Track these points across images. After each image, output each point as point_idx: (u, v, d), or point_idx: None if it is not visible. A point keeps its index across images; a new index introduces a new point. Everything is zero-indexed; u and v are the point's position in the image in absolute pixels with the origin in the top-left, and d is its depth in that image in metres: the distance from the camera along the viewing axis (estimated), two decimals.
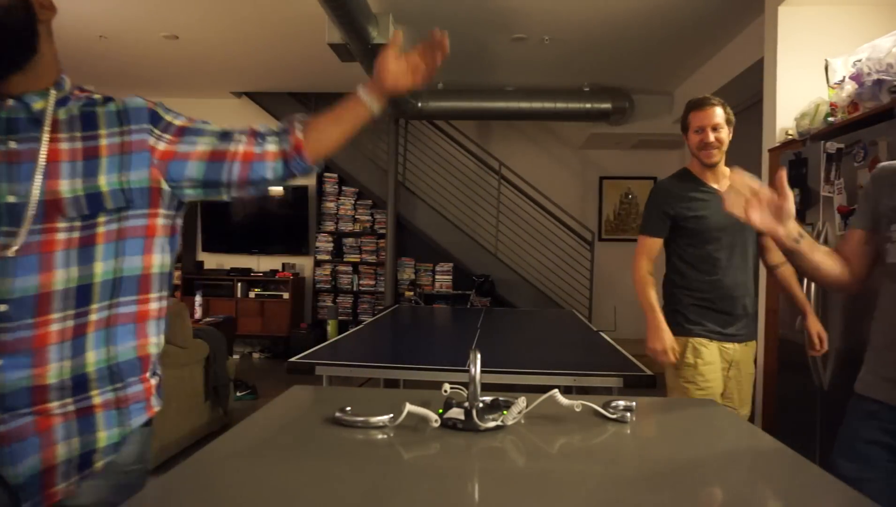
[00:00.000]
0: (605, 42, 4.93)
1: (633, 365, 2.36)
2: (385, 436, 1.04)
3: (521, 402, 1.11)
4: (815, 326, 2.29)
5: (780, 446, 1.05)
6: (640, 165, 7.08)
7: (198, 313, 5.80)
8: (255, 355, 6.80)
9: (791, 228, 1.38)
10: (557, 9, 4.28)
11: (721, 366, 2.22)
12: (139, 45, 5.16)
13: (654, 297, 2.28)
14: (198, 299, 5.97)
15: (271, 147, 1.16)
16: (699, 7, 4.21)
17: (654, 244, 2.30)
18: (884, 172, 1.52)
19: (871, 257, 1.53)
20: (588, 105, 6.02)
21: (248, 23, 4.55)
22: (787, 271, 2.31)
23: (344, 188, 6.97)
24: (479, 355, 1.12)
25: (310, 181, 6.84)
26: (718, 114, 2.18)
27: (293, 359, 2.40)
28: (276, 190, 6.82)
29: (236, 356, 6.54)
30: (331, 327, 6.42)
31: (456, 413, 1.07)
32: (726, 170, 2.24)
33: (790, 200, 1.33)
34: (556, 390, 1.19)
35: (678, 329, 2.24)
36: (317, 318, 6.95)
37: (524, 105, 6.06)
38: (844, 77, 2.74)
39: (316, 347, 2.80)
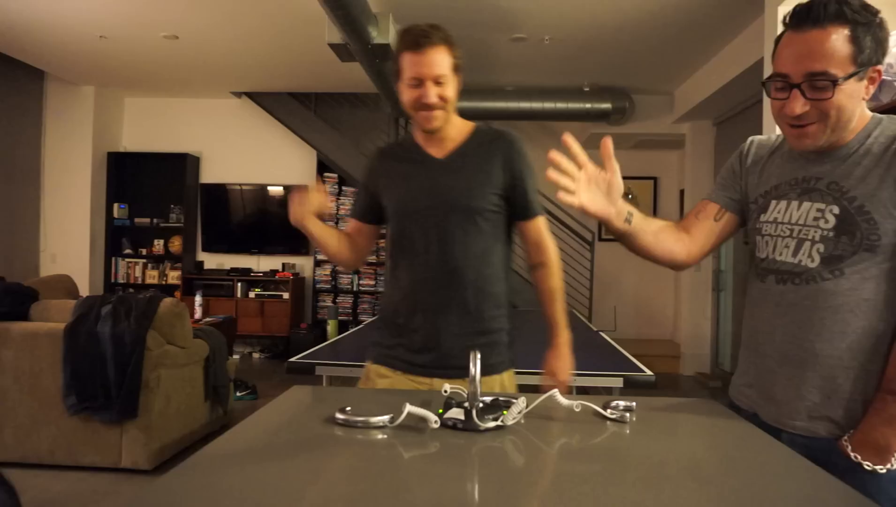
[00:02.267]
0: (605, 42, 4.93)
1: (633, 365, 2.36)
2: (385, 436, 1.04)
3: (521, 402, 1.11)
4: (555, 362, 1.62)
5: (780, 446, 1.05)
6: (640, 165, 7.09)
7: (198, 313, 5.80)
8: (255, 355, 6.80)
9: (621, 207, 1.24)
10: (557, 9, 4.28)
11: None
12: (139, 45, 5.16)
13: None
14: (198, 299, 5.98)
15: None
16: (699, 7, 4.21)
17: None
18: (754, 149, 1.37)
19: (717, 236, 1.37)
20: (588, 105, 6.02)
21: (248, 23, 4.55)
22: (543, 276, 1.70)
23: (344, 188, 6.97)
24: (479, 356, 1.12)
25: (310, 181, 6.84)
26: (443, 61, 1.50)
27: (293, 359, 2.41)
28: (276, 190, 6.82)
29: (236, 356, 6.54)
30: (331, 327, 6.42)
31: (456, 413, 1.07)
32: (457, 133, 1.62)
33: (618, 173, 1.20)
34: (556, 390, 1.19)
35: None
36: (317, 318, 6.96)
37: (524, 105, 6.06)
38: None
39: (316, 347, 2.81)
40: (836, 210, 1.15)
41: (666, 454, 0.99)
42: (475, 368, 1.10)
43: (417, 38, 1.49)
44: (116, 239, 6.81)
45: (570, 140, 1.19)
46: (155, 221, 6.83)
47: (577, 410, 1.15)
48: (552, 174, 1.19)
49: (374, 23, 4.27)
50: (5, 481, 0.96)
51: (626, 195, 1.33)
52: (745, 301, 1.35)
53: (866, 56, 1.08)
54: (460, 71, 1.58)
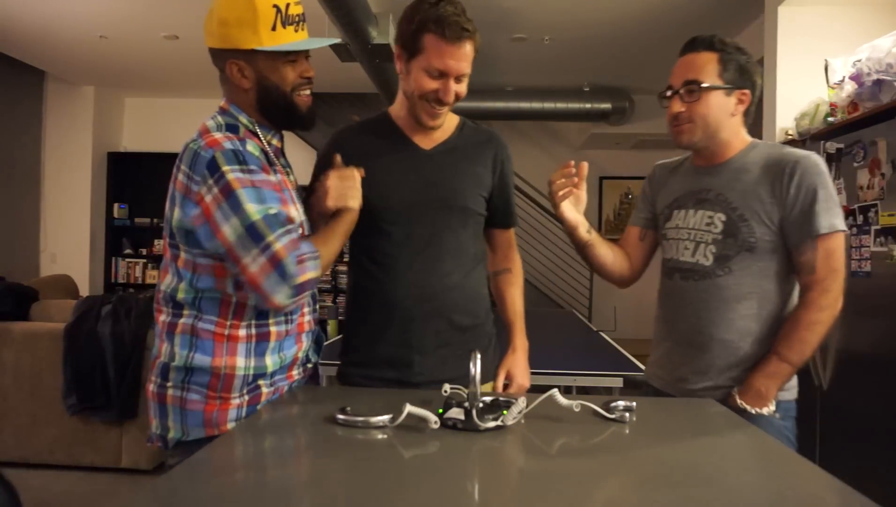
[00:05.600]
0: (605, 42, 4.93)
1: (633, 365, 2.36)
2: (385, 436, 1.04)
3: (521, 402, 1.11)
4: (515, 366, 1.52)
5: (780, 446, 1.05)
6: (640, 165, 7.08)
7: None
8: None
9: (584, 220, 1.48)
10: (557, 9, 4.28)
11: None
12: (139, 45, 5.16)
13: None
14: None
15: (278, 298, 1.16)
16: (699, 7, 4.21)
17: None
18: (657, 171, 1.66)
19: (645, 252, 1.64)
20: (588, 105, 6.02)
21: None
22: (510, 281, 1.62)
23: None
24: (478, 356, 1.12)
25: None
26: (470, 58, 1.37)
27: None
28: None
29: None
30: (331, 327, 6.41)
31: (456, 413, 1.07)
32: (445, 125, 1.49)
33: (585, 190, 1.45)
34: (556, 390, 1.19)
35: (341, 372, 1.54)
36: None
37: (524, 105, 6.05)
38: (844, 77, 2.74)
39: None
40: (723, 217, 1.41)
41: (666, 454, 0.99)
42: (475, 368, 1.10)
43: (456, 28, 1.31)
44: (116, 239, 6.81)
45: (584, 167, 1.46)
46: (155, 221, 6.82)
47: (577, 410, 1.15)
48: (559, 178, 1.44)
49: (374, 23, 4.26)
50: (5, 481, 0.96)
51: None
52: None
53: (730, 76, 1.39)
54: None
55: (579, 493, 0.86)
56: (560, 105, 5.98)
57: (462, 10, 1.34)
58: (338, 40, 1.40)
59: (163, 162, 6.77)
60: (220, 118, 1.29)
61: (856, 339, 2.46)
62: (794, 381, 1.43)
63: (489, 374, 1.47)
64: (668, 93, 1.45)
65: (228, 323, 1.25)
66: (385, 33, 4.30)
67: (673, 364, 1.49)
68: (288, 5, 1.24)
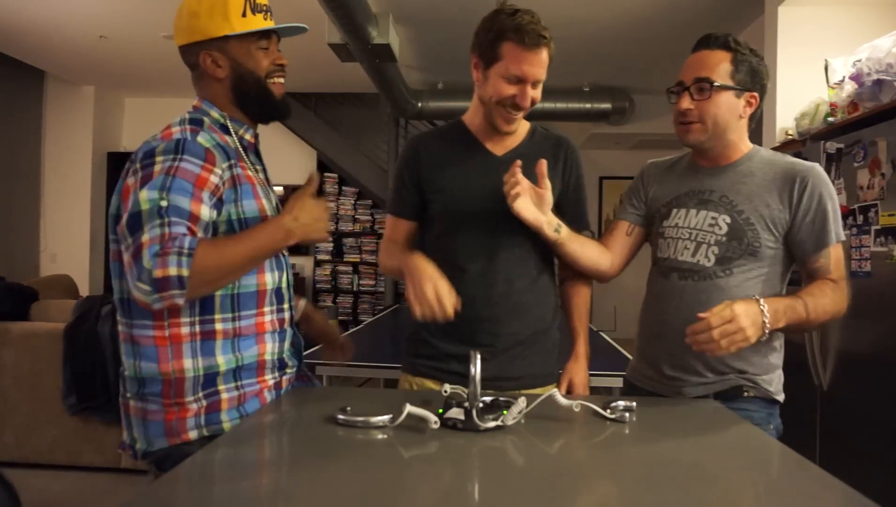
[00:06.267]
0: (605, 42, 4.93)
1: None
2: (385, 436, 1.04)
3: (521, 402, 1.11)
4: (577, 373, 1.59)
5: (780, 446, 1.05)
6: (640, 165, 7.07)
7: None
8: None
9: (551, 219, 1.42)
10: (557, 9, 4.28)
11: None
12: (139, 45, 5.16)
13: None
14: None
15: (137, 292, 1.07)
16: (699, 7, 4.21)
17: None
18: (652, 168, 1.63)
19: (630, 247, 1.59)
20: (588, 105, 6.02)
21: None
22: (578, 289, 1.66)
23: (344, 188, 6.97)
24: (479, 356, 1.12)
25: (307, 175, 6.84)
26: (546, 64, 1.42)
27: None
28: (276, 190, 6.81)
29: None
30: None
31: (456, 413, 1.07)
32: (517, 131, 1.54)
33: (549, 190, 1.39)
34: (556, 390, 1.19)
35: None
36: None
37: None
38: (844, 77, 2.74)
39: (316, 347, 2.80)
40: (727, 219, 1.40)
41: (665, 454, 0.99)
42: (475, 368, 1.10)
43: (534, 35, 1.35)
44: None
45: (544, 165, 1.38)
46: None
47: (577, 410, 1.15)
48: (510, 178, 1.36)
49: (374, 23, 4.26)
50: (5, 481, 0.96)
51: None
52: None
53: (741, 77, 1.38)
54: None
55: (579, 493, 0.86)
56: (560, 105, 5.98)
57: (538, 19, 1.39)
58: (306, 27, 1.43)
59: None
60: (186, 115, 1.29)
61: (856, 339, 2.46)
62: (781, 383, 1.46)
63: (552, 377, 1.57)
64: (678, 89, 1.42)
65: (166, 323, 1.19)
66: (385, 33, 4.30)
67: (665, 364, 1.46)
68: None
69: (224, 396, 1.22)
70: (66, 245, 6.42)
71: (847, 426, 2.50)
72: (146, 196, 1.10)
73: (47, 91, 6.28)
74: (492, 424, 1.06)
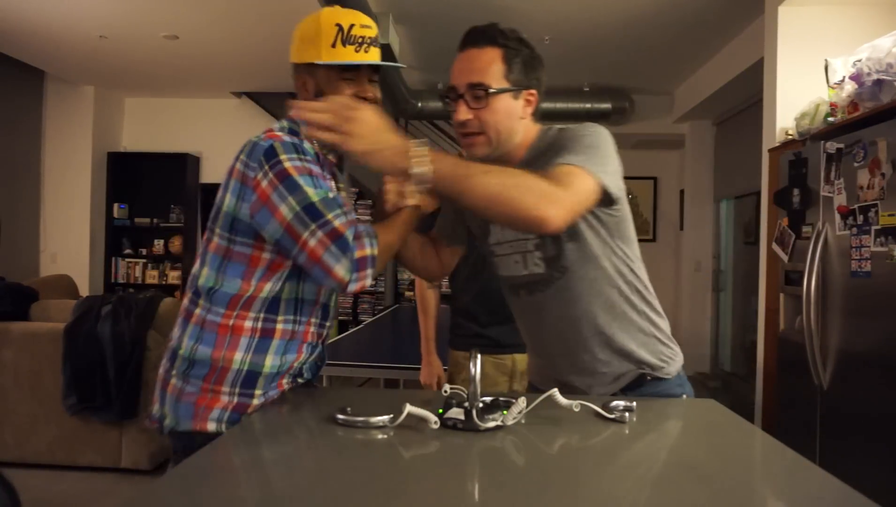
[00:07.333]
0: (605, 42, 4.92)
1: None
2: (385, 436, 1.04)
3: (521, 402, 1.11)
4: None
5: (780, 446, 1.05)
6: (640, 165, 7.08)
7: None
8: None
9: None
10: (557, 9, 4.28)
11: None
12: (139, 45, 5.16)
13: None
14: None
15: (340, 271, 1.15)
16: (699, 7, 4.21)
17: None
18: None
19: (443, 257, 1.55)
20: (588, 105, 6.02)
21: (248, 22, 4.54)
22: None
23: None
24: (479, 356, 1.12)
25: None
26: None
27: None
28: None
29: None
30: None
31: (456, 413, 1.07)
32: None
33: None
34: (556, 389, 1.19)
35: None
36: None
37: None
38: (844, 77, 2.74)
39: None
40: None
41: (666, 454, 0.99)
42: (475, 368, 1.10)
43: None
44: (116, 239, 6.80)
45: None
46: (155, 221, 6.82)
47: (577, 410, 1.15)
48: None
49: (374, 23, 4.26)
50: (5, 481, 0.97)
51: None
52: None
53: (516, 76, 1.26)
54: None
55: (579, 493, 0.86)
56: (560, 105, 5.98)
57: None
58: (402, 65, 1.61)
59: (163, 162, 6.83)
60: (284, 122, 1.35)
61: (856, 339, 2.46)
62: (679, 357, 1.41)
63: None
64: (453, 95, 1.29)
65: (235, 313, 1.27)
66: (385, 33, 4.30)
67: (555, 374, 1.40)
68: (352, 26, 1.33)
69: (255, 401, 1.28)
70: (66, 245, 6.42)
71: (847, 425, 2.50)
72: (311, 190, 1.18)
73: (47, 91, 6.28)
74: (492, 424, 1.06)
